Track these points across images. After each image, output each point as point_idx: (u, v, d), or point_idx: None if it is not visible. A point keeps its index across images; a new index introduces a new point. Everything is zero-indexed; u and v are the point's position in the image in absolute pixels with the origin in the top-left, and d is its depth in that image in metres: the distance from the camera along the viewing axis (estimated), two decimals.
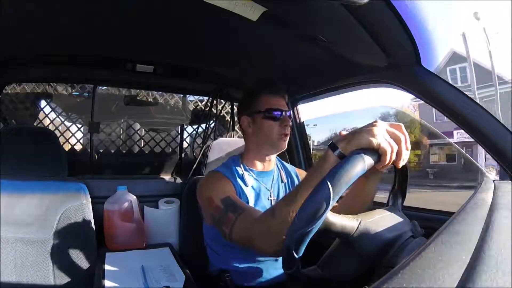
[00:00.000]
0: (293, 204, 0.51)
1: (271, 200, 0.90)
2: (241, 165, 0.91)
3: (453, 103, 0.77)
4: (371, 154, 0.43)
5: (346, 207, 0.65)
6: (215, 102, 1.44)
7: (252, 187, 0.88)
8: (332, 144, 0.49)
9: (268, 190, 0.91)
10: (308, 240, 0.38)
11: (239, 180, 0.87)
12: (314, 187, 0.39)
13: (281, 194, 0.93)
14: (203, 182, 0.87)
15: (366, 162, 0.42)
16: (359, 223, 0.46)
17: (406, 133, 0.48)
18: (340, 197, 0.40)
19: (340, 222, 0.44)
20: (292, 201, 0.52)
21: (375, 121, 0.47)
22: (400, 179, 0.60)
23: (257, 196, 0.88)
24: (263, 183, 0.91)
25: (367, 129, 0.45)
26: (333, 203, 0.37)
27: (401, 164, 0.49)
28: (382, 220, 0.50)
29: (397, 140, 0.46)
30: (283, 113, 0.88)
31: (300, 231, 0.37)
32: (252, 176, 0.90)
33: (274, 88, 0.91)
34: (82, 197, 0.96)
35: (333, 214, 0.44)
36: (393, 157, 0.46)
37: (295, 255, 0.39)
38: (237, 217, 0.68)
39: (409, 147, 0.48)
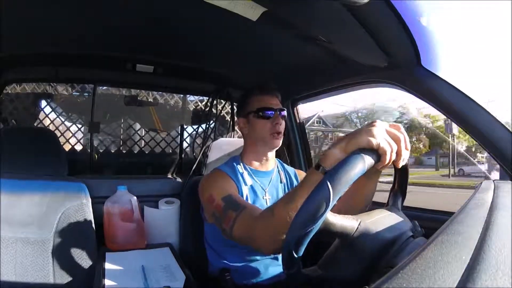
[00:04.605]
0: (291, 204, 0.51)
1: (266, 199, 0.90)
2: (241, 164, 0.92)
3: (453, 103, 0.77)
4: (371, 154, 0.43)
5: (346, 205, 0.65)
6: (215, 102, 1.44)
7: (250, 186, 0.89)
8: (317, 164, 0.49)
9: (263, 189, 0.91)
10: (308, 240, 0.38)
11: (240, 178, 0.88)
12: (312, 186, 0.39)
13: (280, 194, 0.94)
14: (205, 180, 0.88)
15: (366, 162, 0.41)
16: (359, 224, 0.46)
17: (405, 133, 0.48)
18: (339, 196, 0.39)
19: (340, 222, 0.44)
20: (290, 201, 0.52)
21: (374, 121, 0.47)
22: (400, 179, 0.60)
23: (254, 195, 0.89)
24: (260, 183, 0.92)
25: (367, 129, 0.45)
26: (333, 203, 0.37)
27: (401, 164, 0.49)
28: (382, 220, 0.50)
29: (396, 140, 0.46)
30: (275, 111, 0.89)
31: (300, 232, 0.37)
32: (251, 175, 0.91)
33: (264, 87, 0.92)
34: (82, 197, 0.96)
35: (333, 214, 0.44)
36: (393, 157, 0.46)
37: (295, 255, 0.39)
38: (238, 214, 0.68)
39: (409, 147, 0.48)
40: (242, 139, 1.01)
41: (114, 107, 1.69)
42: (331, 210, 0.40)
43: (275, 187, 0.94)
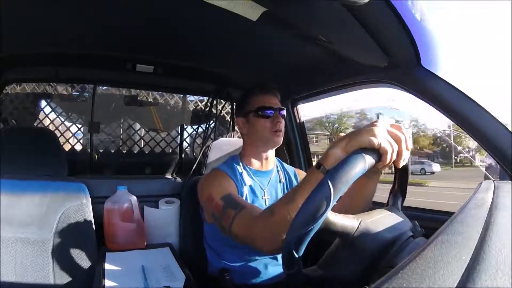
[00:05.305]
0: (291, 203, 0.51)
1: (265, 199, 0.90)
2: (241, 164, 0.92)
3: (453, 103, 0.77)
4: (372, 153, 0.43)
5: (346, 205, 0.65)
6: (215, 102, 1.44)
7: (250, 186, 0.89)
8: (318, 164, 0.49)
9: (262, 189, 0.91)
10: (308, 239, 0.38)
11: (239, 178, 0.88)
12: (313, 186, 0.39)
13: (279, 194, 0.94)
14: (204, 180, 0.88)
15: (367, 161, 0.41)
16: (359, 223, 0.46)
17: (406, 133, 0.48)
18: (340, 196, 0.39)
19: (340, 222, 0.44)
20: (290, 200, 0.52)
21: (376, 121, 0.47)
22: (400, 179, 0.60)
23: (253, 195, 0.89)
24: (259, 182, 0.92)
25: (368, 129, 0.45)
26: (333, 202, 0.37)
27: (402, 164, 0.49)
28: (382, 220, 0.50)
29: (397, 140, 0.46)
30: (275, 111, 0.89)
31: (300, 231, 0.37)
32: (250, 175, 0.91)
33: (264, 87, 0.93)
34: (82, 197, 0.96)
35: (334, 213, 0.44)
36: (394, 157, 0.46)
37: (296, 255, 0.39)
38: (237, 213, 0.68)
39: (410, 147, 0.48)
40: (242, 139, 1.01)
41: (114, 107, 1.69)
42: (332, 210, 0.40)
43: (274, 187, 0.94)
